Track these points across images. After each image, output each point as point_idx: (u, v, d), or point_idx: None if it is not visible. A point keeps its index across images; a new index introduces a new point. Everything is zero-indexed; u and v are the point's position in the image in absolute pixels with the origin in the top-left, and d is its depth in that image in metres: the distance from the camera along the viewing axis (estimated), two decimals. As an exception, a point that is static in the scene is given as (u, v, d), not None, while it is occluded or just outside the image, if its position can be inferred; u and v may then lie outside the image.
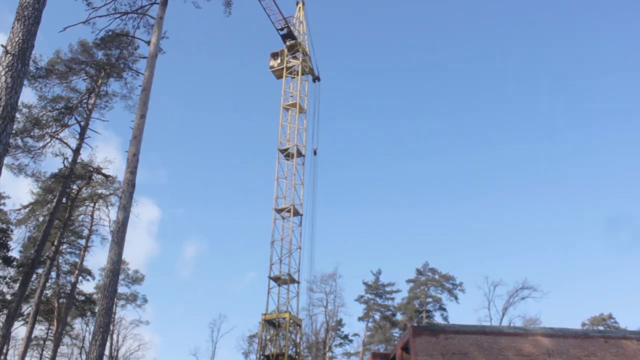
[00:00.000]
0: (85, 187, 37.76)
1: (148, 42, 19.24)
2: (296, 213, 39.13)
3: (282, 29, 42.98)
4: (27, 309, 44.16)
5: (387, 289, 64.41)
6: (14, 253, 37.88)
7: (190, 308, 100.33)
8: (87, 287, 54.43)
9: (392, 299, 64.11)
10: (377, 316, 63.23)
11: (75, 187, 36.40)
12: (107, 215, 42.45)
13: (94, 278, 50.88)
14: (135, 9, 20.44)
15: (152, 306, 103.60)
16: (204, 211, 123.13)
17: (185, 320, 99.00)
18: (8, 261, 35.18)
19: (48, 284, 41.00)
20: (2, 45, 10.08)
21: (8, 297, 39.10)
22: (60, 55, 29.41)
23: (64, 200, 31.61)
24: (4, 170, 10.48)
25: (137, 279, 61.08)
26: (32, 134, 28.65)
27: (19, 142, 28.84)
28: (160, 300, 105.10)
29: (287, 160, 40.93)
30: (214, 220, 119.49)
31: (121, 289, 57.53)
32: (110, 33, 22.00)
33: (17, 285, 32.11)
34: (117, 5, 20.18)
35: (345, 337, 64.87)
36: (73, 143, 29.47)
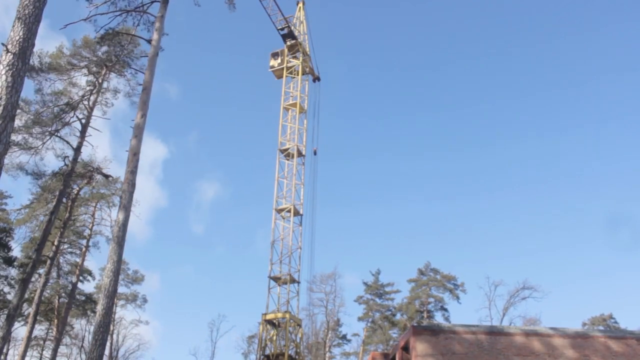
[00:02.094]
0: (85, 186, 37.79)
1: (149, 41, 19.23)
2: (296, 213, 39.12)
3: (282, 29, 42.99)
4: (27, 309, 44.17)
5: (387, 289, 64.45)
6: (15, 253, 38.00)
7: (190, 308, 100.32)
8: (88, 287, 54.37)
9: (392, 299, 64.15)
10: (376, 316, 63.23)
11: (75, 186, 36.41)
12: (107, 215, 42.54)
13: (94, 278, 50.91)
14: (135, 6, 20.44)
15: (159, 282, 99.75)
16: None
17: (185, 320, 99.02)
18: (9, 261, 35.24)
19: (48, 284, 41.01)
20: (3, 44, 10.06)
21: (8, 297, 39.13)
22: (62, 50, 29.40)
23: (64, 199, 31.60)
24: (4, 170, 10.46)
25: (137, 279, 61.13)
26: (32, 131, 28.62)
27: (19, 139, 28.83)
28: (168, 277, 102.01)
29: (287, 160, 40.93)
30: (214, 220, 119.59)
31: (121, 289, 57.57)
32: (110, 30, 21.95)
33: (17, 285, 32.10)
34: (118, 2, 20.18)
35: (344, 337, 64.95)
36: (74, 141, 29.44)
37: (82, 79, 30.76)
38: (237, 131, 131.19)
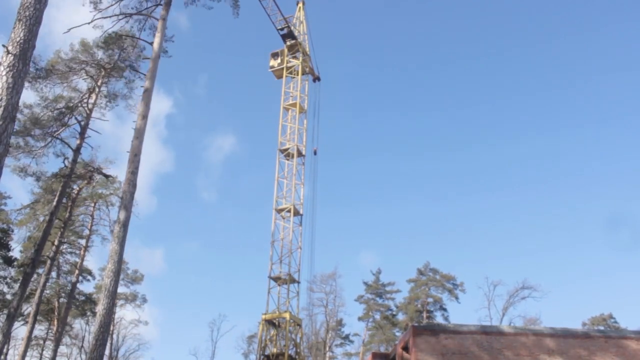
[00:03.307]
0: (85, 186, 37.81)
1: (151, 44, 19.28)
2: (296, 213, 39.14)
3: (282, 29, 43.00)
4: (27, 309, 44.18)
5: (387, 288, 64.51)
6: (15, 253, 38.02)
7: (190, 308, 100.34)
8: (87, 287, 54.48)
9: (392, 298, 64.21)
10: (377, 316, 63.27)
11: (75, 187, 36.43)
12: (107, 215, 42.55)
13: (94, 278, 50.95)
14: (140, 10, 20.48)
15: (162, 260, 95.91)
16: (203, 210, 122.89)
17: (185, 320, 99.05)
18: (9, 261, 35.27)
19: (48, 284, 41.04)
20: (4, 45, 10.09)
21: (8, 297, 39.16)
22: (61, 55, 29.45)
23: (64, 200, 31.63)
24: (4, 170, 10.49)
25: (136, 279, 61.15)
26: (32, 133, 28.68)
27: (20, 142, 28.89)
28: (172, 255, 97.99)
29: (287, 160, 40.94)
30: (214, 220, 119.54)
31: (121, 289, 57.58)
32: (113, 34, 22.02)
33: (17, 285, 32.11)
34: (122, 7, 20.23)
35: (346, 337, 64.98)
36: (73, 143, 29.49)
37: (81, 82, 30.84)
38: (237, 131, 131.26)
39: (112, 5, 19.95)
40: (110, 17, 19.98)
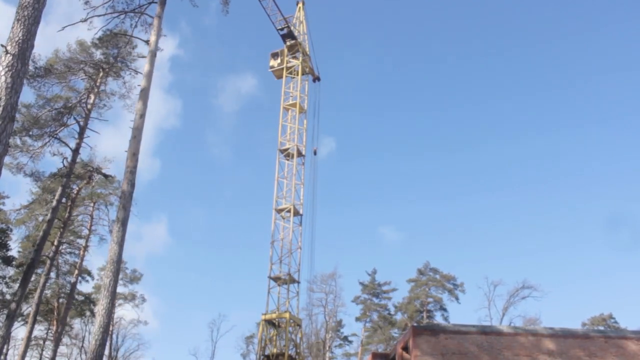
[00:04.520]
0: (85, 186, 37.78)
1: (147, 42, 19.23)
2: (296, 213, 39.11)
3: (282, 29, 42.97)
4: (27, 309, 44.16)
5: (384, 288, 64.45)
6: (14, 253, 37.99)
7: (190, 308, 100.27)
8: (87, 287, 54.41)
9: (389, 298, 64.17)
10: (374, 316, 63.24)
11: (75, 186, 36.40)
12: (106, 215, 42.51)
13: (93, 278, 50.90)
14: (133, 7, 20.45)
15: (165, 232, 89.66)
16: (203, 210, 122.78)
17: (185, 320, 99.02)
18: (8, 261, 35.23)
19: (48, 284, 40.96)
20: (2, 45, 10.06)
21: (8, 297, 39.12)
22: (58, 54, 29.43)
23: (63, 200, 31.60)
24: (3, 169, 10.46)
25: (135, 278, 61.09)
26: (31, 133, 28.65)
27: (18, 141, 28.86)
28: (176, 226, 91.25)
29: (287, 160, 40.90)
30: (214, 220, 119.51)
31: (120, 289, 57.52)
32: (108, 32, 21.95)
33: (16, 285, 32.07)
34: (115, 4, 20.18)
35: (345, 338, 64.96)
36: (72, 143, 29.49)
37: (79, 82, 30.83)
38: (236, 131, 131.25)
39: (105, 3, 19.90)
40: (104, 15, 19.93)
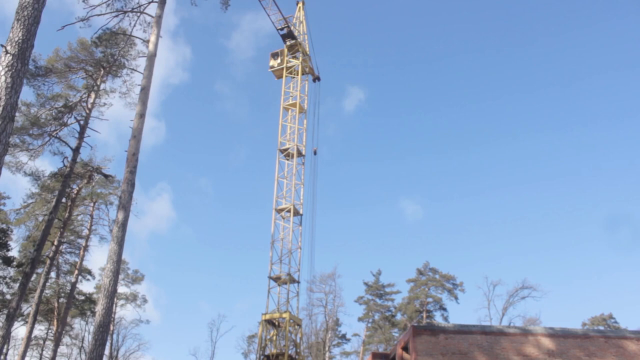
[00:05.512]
0: (85, 186, 37.77)
1: (147, 41, 19.22)
2: (296, 213, 39.11)
3: (282, 29, 42.97)
4: (27, 308, 44.19)
5: (387, 289, 64.49)
6: (14, 253, 37.99)
7: (190, 308, 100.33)
8: (87, 286, 54.50)
9: (392, 299, 64.22)
10: (377, 316, 63.25)
11: (75, 186, 36.38)
12: (107, 215, 42.52)
13: (93, 278, 50.91)
14: (132, 7, 20.43)
15: (169, 205, 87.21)
16: (204, 210, 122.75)
17: (185, 320, 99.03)
18: (8, 261, 35.24)
19: (48, 284, 41.00)
20: (2, 45, 10.06)
21: (8, 296, 39.14)
22: (59, 53, 29.41)
23: (63, 199, 31.58)
24: (3, 169, 10.46)
25: (136, 279, 61.14)
26: (31, 132, 28.64)
27: (18, 140, 28.84)
28: (179, 199, 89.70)
29: (287, 160, 40.90)
30: (214, 220, 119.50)
31: (121, 289, 57.56)
32: (107, 31, 21.95)
33: (16, 285, 32.09)
34: (115, 3, 20.15)
35: (344, 336, 64.97)
36: (72, 142, 29.47)
37: (79, 81, 30.83)
38: (236, 131, 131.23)
39: (104, 2, 19.87)
40: (104, 14, 19.90)
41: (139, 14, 20.44)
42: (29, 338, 33.62)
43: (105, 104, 31.53)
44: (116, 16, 20.28)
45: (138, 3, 20.36)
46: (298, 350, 36.45)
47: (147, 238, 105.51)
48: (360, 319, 63.57)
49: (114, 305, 51.68)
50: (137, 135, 17.25)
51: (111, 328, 53.67)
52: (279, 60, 43.50)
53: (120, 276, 54.95)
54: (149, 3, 20.14)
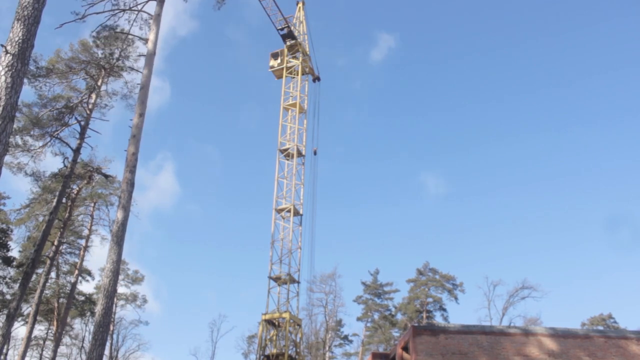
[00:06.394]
0: (85, 186, 37.77)
1: (145, 40, 19.21)
2: (296, 213, 39.10)
3: (282, 29, 42.97)
4: (27, 309, 44.18)
5: (386, 288, 64.48)
6: (14, 253, 38.00)
7: (190, 308, 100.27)
8: (87, 287, 54.49)
9: (391, 298, 64.20)
10: (376, 316, 63.24)
11: (75, 187, 36.38)
12: (107, 215, 42.53)
13: (93, 278, 50.95)
14: (130, 5, 20.41)
15: (172, 174, 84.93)
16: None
17: (185, 320, 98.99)
18: (8, 261, 35.25)
19: (48, 284, 40.99)
20: (2, 45, 10.06)
21: (8, 297, 39.13)
22: (60, 54, 29.42)
23: (63, 200, 31.58)
24: (3, 169, 10.47)
25: (136, 279, 61.13)
26: (32, 133, 28.64)
27: (19, 141, 28.84)
28: (183, 167, 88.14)
29: (287, 160, 40.90)
30: (214, 220, 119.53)
31: (121, 289, 57.57)
32: (106, 28, 21.90)
33: (16, 285, 32.08)
34: (113, 1, 20.12)
35: (345, 337, 64.95)
36: (73, 143, 29.48)
37: (80, 82, 30.83)
38: (236, 131, 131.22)
39: (102, 0, 19.87)
40: (102, 12, 19.87)
41: (137, 12, 20.43)
42: (29, 338, 33.62)
43: (106, 105, 31.54)
44: (114, 14, 20.26)
45: (136, 2, 20.35)
46: (298, 350, 36.45)
47: (151, 215, 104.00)
48: (359, 319, 63.63)
49: (114, 306, 51.67)
50: (136, 134, 17.24)
51: (111, 328, 53.65)
52: (279, 60, 43.50)
53: (120, 277, 54.96)
54: (147, 1, 20.13)
